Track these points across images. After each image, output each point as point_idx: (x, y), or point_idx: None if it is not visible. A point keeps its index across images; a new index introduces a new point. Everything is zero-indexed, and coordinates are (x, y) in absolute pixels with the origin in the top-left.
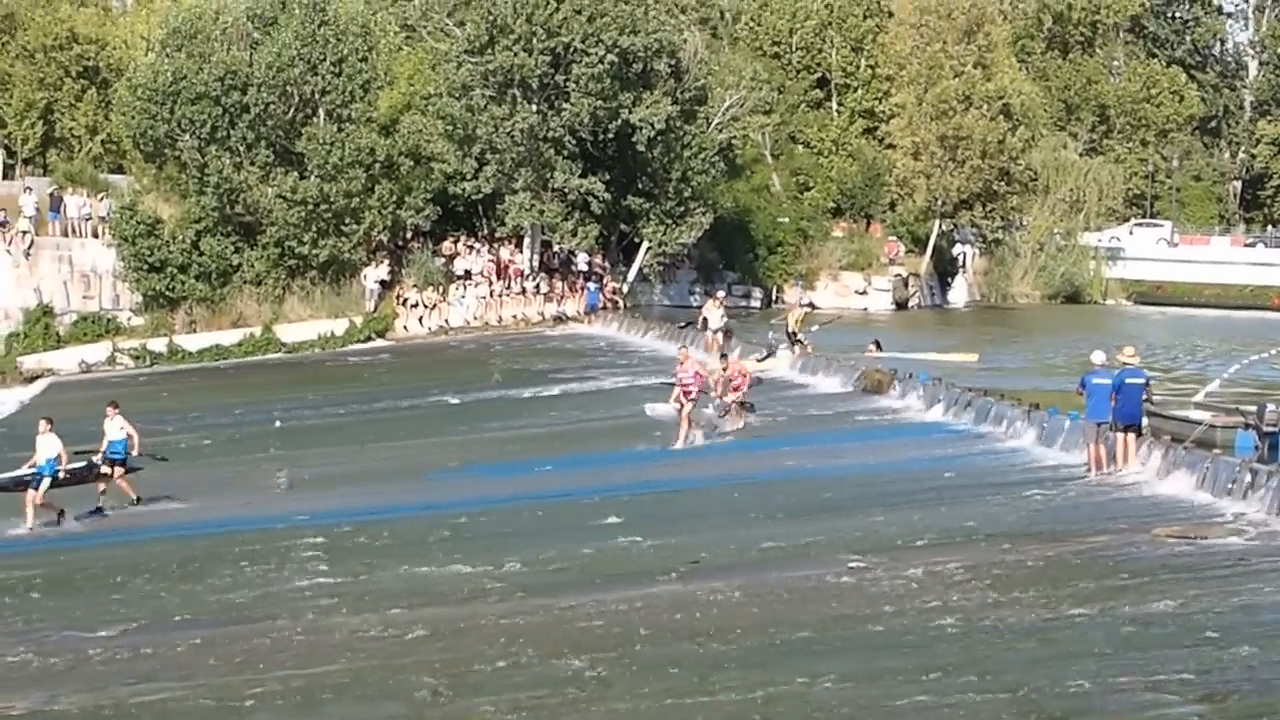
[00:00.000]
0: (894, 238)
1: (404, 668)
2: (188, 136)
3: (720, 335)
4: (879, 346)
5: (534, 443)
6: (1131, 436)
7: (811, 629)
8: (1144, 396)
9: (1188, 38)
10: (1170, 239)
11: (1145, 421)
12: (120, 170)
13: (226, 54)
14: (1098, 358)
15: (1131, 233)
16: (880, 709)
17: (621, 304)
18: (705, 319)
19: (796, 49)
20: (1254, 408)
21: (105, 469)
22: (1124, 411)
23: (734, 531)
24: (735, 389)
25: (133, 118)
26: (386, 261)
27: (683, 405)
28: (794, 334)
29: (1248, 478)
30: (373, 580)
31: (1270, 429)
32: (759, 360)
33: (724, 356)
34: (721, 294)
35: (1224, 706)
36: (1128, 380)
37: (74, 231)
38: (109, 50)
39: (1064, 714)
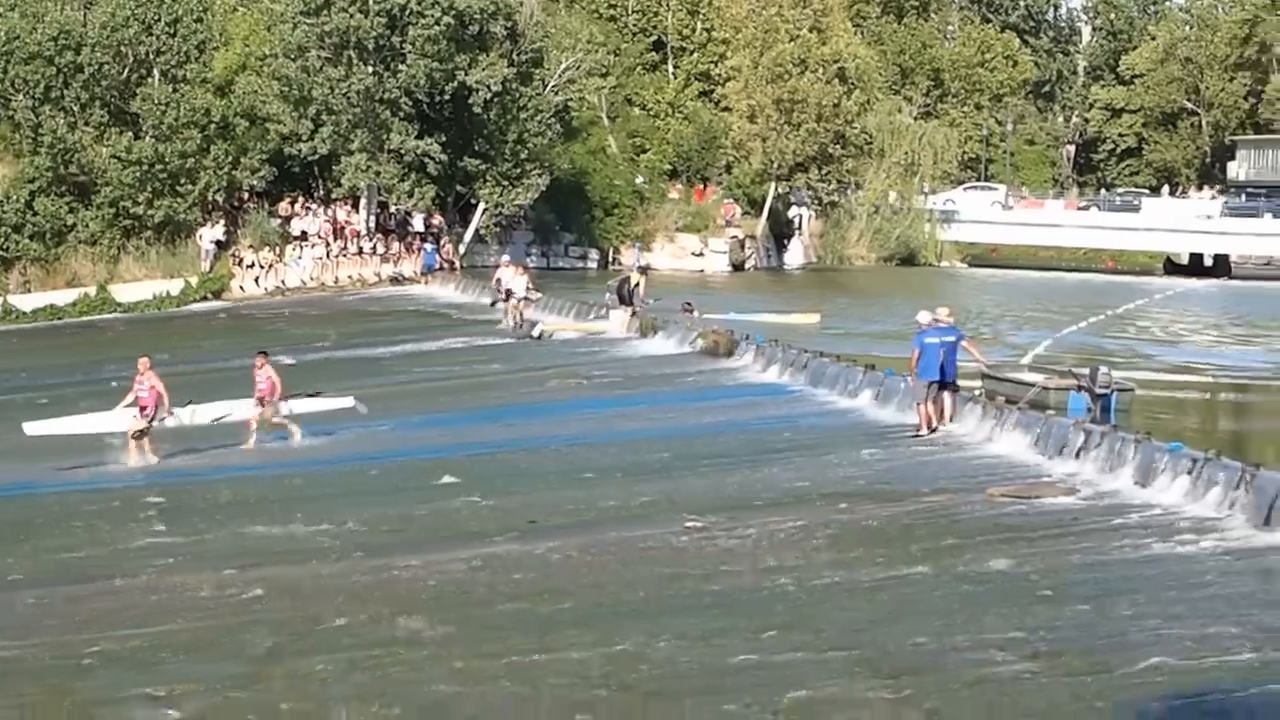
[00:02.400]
0: (730, 200)
1: (242, 627)
2: (21, 96)
3: (523, 303)
4: (690, 308)
5: (369, 403)
6: (948, 393)
7: (649, 588)
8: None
9: (1021, 3)
10: (1005, 202)
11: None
12: None
13: (60, 13)
14: (924, 317)
15: (964, 194)
16: (717, 668)
17: (458, 265)
18: (508, 290)
19: (632, 12)
20: (1086, 370)
21: None
22: (945, 369)
23: (571, 492)
24: (261, 398)
25: None
26: (222, 222)
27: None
28: (628, 296)
29: (1080, 439)
30: (211, 540)
31: (1103, 391)
32: (592, 321)
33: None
34: (511, 259)
35: (1058, 663)
36: (944, 339)
37: None
38: None
39: (899, 672)
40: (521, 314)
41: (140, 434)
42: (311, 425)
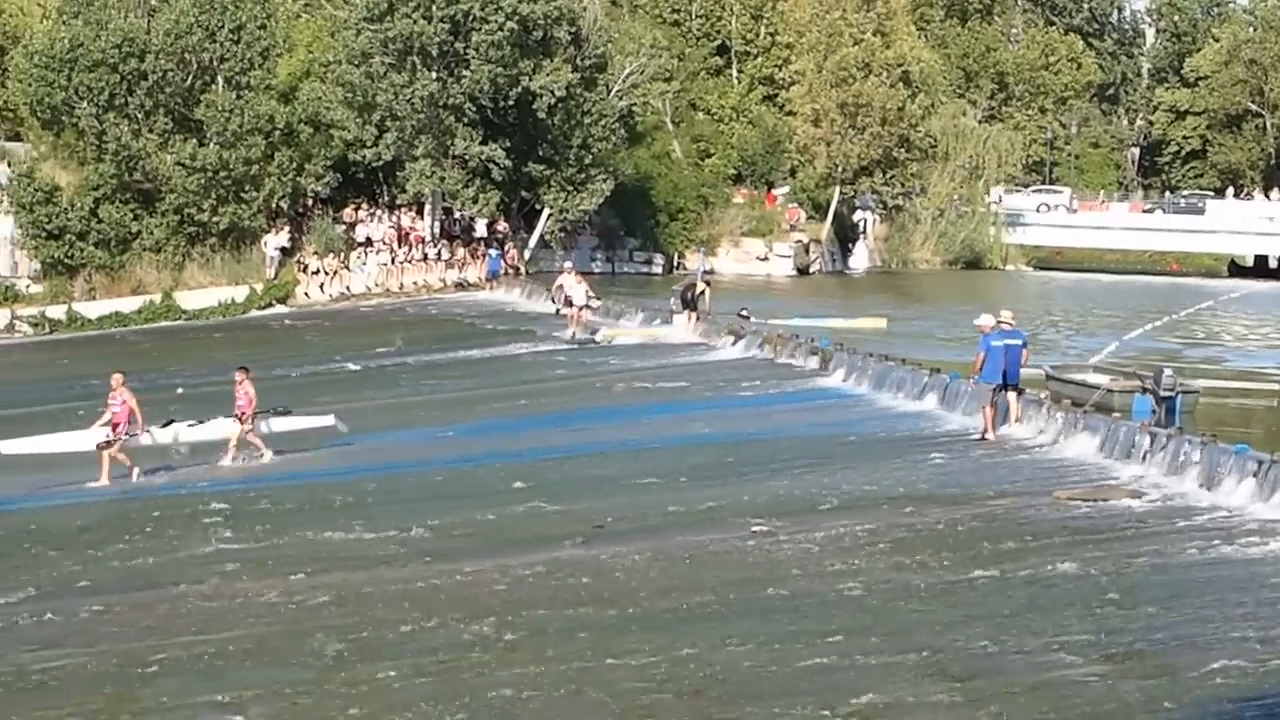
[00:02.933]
0: (795, 204)
1: (308, 633)
2: (85, 104)
3: (583, 312)
4: (747, 314)
5: (437, 408)
6: (1014, 395)
7: (715, 593)
8: (1022, 359)
9: (1086, 5)
10: (1069, 205)
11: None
12: (18, 138)
13: (124, 21)
14: (986, 320)
15: (1026, 198)
16: (784, 672)
17: (523, 270)
18: (568, 297)
19: (696, 16)
20: (1151, 372)
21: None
22: (1009, 372)
23: (638, 496)
24: (240, 413)
25: (30, 85)
26: (287, 228)
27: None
28: (692, 301)
29: (1146, 441)
30: (276, 546)
31: (1167, 393)
32: (657, 326)
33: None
34: (571, 266)
35: (1124, 667)
36: (1008, 342)
37: None
38: (5, 17)
39: (966, 675)
40: (582, 321)
41: (106, 444)
42: (374, 434)
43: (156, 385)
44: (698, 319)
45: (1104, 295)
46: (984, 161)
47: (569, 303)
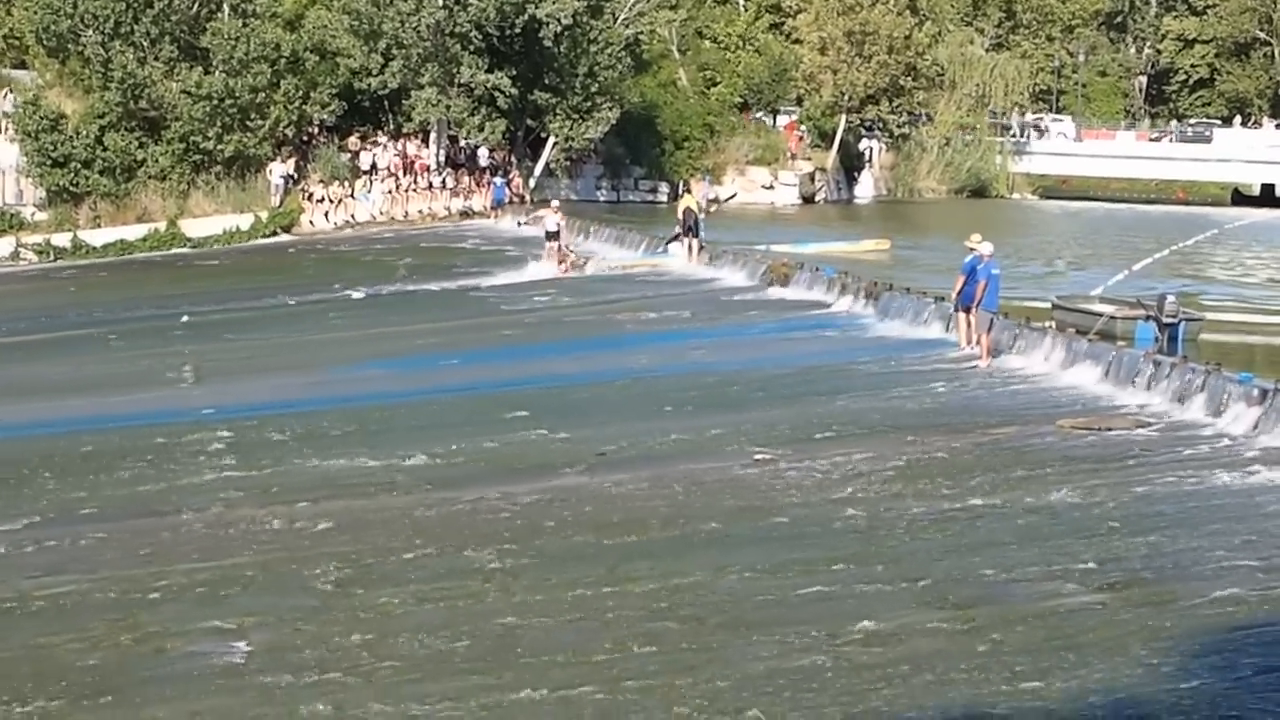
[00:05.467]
0: (800, 132)
1: (310, 560)
2: (91, 31)
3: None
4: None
5: (440, 336)
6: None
7: (717, 521)
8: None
9: None
10: (1075, 135)
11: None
12: (23, 65)
13: None
14: (987, 248)
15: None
16: (786, 600)
17: (528, 199)
18: (549, 230)
19: None
20: (1154, 300)
21: None
22: (969, 294)
23: (640, 424)
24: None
25: (35, 13)
26: (292, 157)
27: None
28: (694, 227)
29: (1150, 369)
30: (278, 474)
31: (1170, 320)
32: (658, 255)
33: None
34: (556, 202)
35: (1126, 594)
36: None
37: None
38: None
39: (969, 603)
40: (559, 255)
41: None
42: (377, 361)
43: (161, 314)
44: (700, 247)
45: (1109, 223)
46: (991, 90)
47: (550, 236)
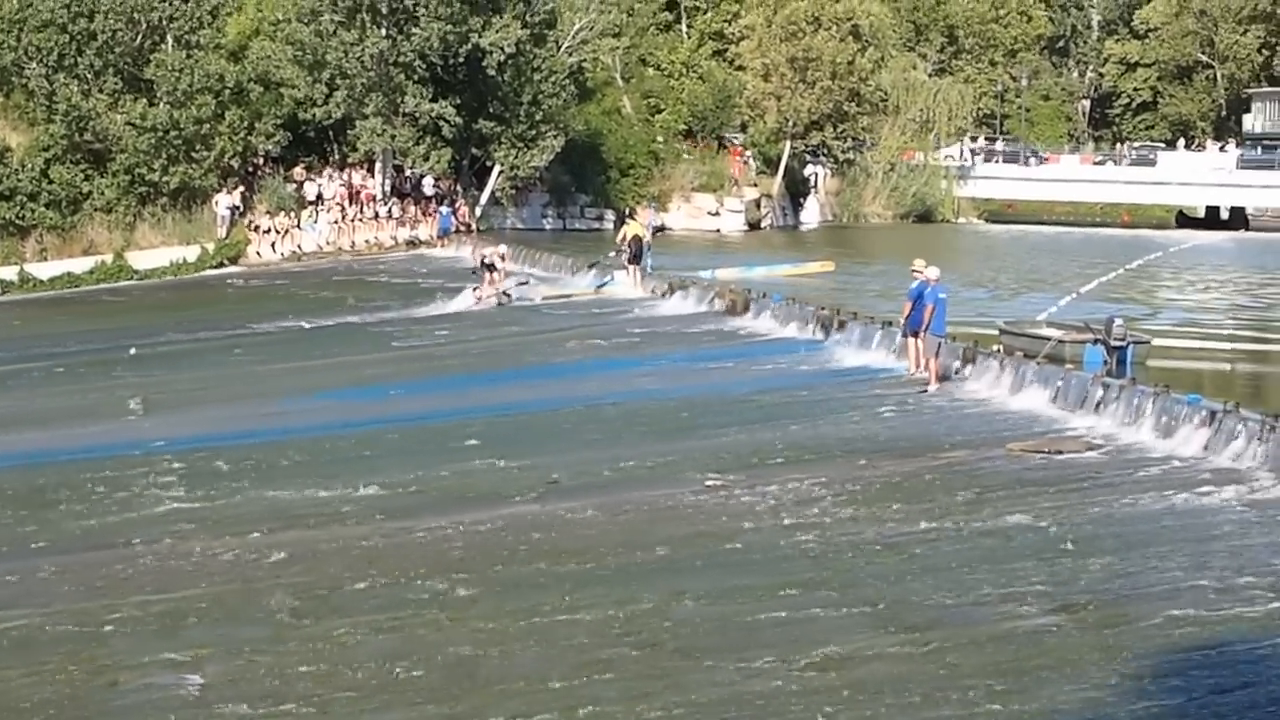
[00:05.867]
0: (742, 151)
1: (263, 591)
2: (35, 64)
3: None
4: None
5: (388, 365)
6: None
7: (670, 547)
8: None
9: None
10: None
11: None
12: None
13: None
14: (934, 272)
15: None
16: (740, 625)
17: (474, 227)
18: (488, 263)
19: None
20: (1101, 323)
21: None
22: (917, 319)
23: (591, 452)
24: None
25: None
26: (239, 188)
27: None
28: (630, 251)
29: (1099, 392)
30: (230, 505)
31: (1118, 343)
32: (598, 287)
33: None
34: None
35: (1080, 616)
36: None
37: None
38: None
39: (924, 626)
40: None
41: None
42: (325, 393)
43: (109, 346)
44: (641, 273)
45: (1055, 247)
46: (934, 115)
47: (485, 267)
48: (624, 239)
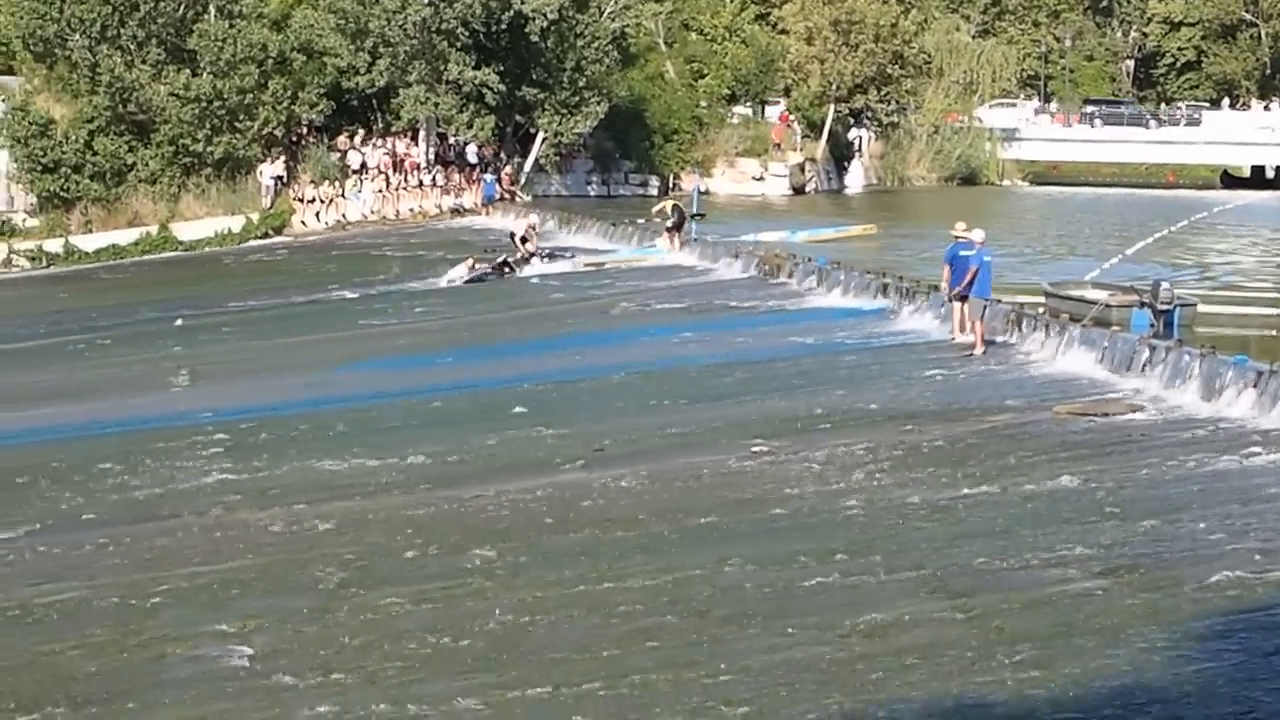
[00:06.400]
0: (777, 122)
1: (310, 561)
2: (78, 36)
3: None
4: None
5: (433, 334)
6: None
7: (716, 514)
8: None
9: None
10: (1032, 119)
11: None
12: (10, 71)
13: None
14: (978, 235)
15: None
16: (787, 591)
17: (519, 195)
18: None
19: None
20: (1149, 285)
21: None
22: (957, 282)
23: (637, 419)
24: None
25: (21, 18)
26: (282, 158)
27: None
28: (673, 219)
29: (1145, 354)
30: (276, 476)
31: (1165, 306)
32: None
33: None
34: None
35: (1127, 580)
36: (961, 253)
37: None
38: None
39: (969, 592)
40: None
41: None
42: (371, 361)
43: (155, 317)
44: (681, 240)
45: (1099, 208)
46: (978, 77)
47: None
48: (661, 211)
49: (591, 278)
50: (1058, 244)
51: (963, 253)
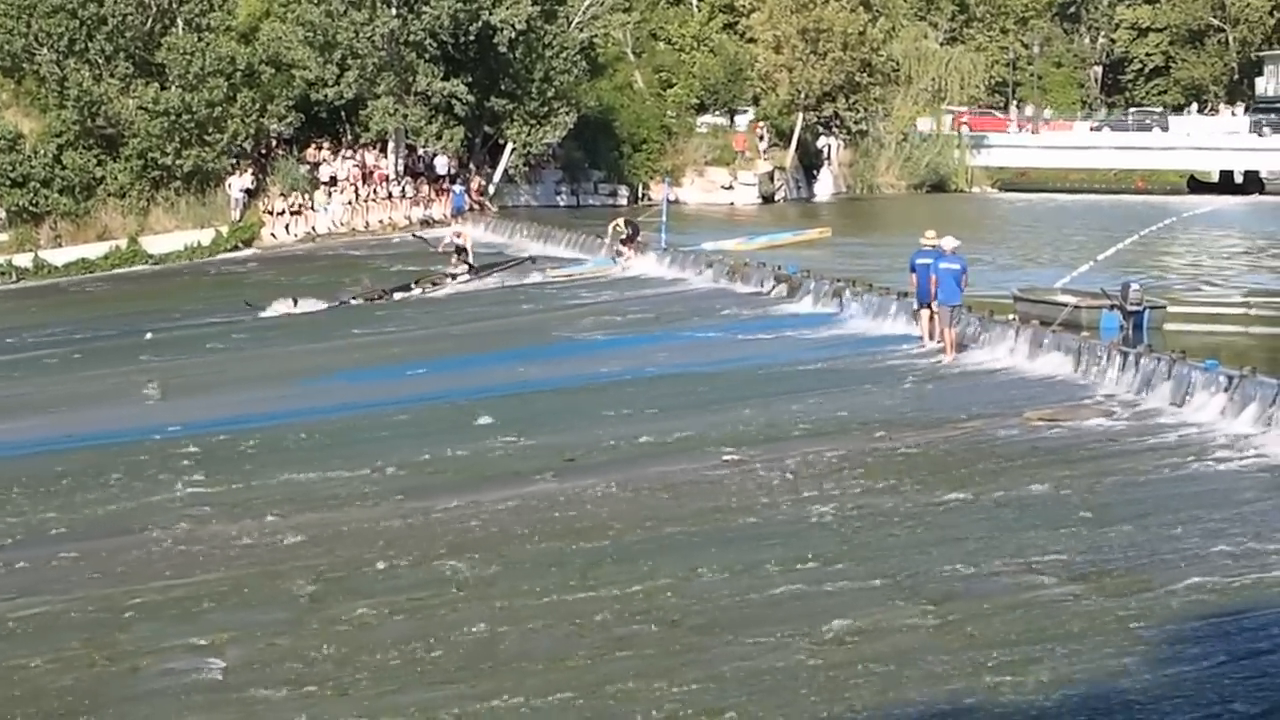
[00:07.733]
0: (748, 129)
1: (283, 574)
2: (45, 50)
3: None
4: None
5: (403, 346)
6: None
7: (688, 522)
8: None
9: None
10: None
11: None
12: None
13: None
14: (950, 242)
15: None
16: (759, 599)
17: (488, 206)
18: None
19: None
20: (1117, 288)
21: None
22: (925, 289)
23: (608, 428)
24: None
25: None
26: (251, 170)
27: None
28: (627, 232)
29: (1116, 359)
30: (248, 488)
31: (1134, 308)
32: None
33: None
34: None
35: (1098, 585)
36: (919, 260)
37: None
38: None
39: (943, 598)
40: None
41: None
42: (343, 373)
43: (125, 331)
44: (636, 251)
45: (1067, 215)
46: (946, 84)
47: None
48: (615, 229)
49: (555, 289)
50: (1027, 249)
51: (920, 260)
